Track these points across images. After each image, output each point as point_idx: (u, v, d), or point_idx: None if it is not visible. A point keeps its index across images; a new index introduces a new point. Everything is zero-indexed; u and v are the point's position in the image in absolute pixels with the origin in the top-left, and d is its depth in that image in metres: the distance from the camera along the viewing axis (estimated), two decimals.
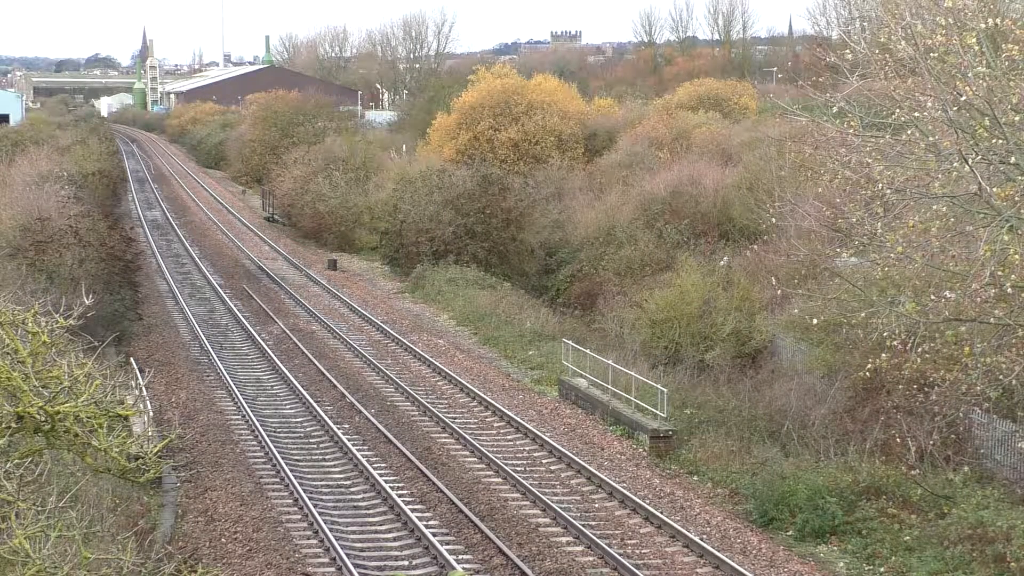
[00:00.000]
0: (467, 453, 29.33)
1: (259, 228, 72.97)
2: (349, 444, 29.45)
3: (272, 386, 36.14)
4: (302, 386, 35.35)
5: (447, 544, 23.12)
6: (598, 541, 22.97)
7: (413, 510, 24.84)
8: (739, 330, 34.53)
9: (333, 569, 22.28)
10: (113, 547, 16.12)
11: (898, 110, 20.57)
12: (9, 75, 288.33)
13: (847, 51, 22.00)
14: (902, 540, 22.63)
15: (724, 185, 48.56)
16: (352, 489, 26.79)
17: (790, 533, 23.97)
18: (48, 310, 16.52)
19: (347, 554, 22.43)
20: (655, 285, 38.83)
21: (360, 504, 25.82)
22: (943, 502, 23.42)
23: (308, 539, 23.75)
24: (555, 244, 51.93)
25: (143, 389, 30.26)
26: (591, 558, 22.67)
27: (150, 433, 21.40)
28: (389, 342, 42.16)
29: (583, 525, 23.86)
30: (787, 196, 34.34)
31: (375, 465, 28.07)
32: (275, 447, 29.17)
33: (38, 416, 14.75)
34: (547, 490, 26.29)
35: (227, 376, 36.45)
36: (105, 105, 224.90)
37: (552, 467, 28.22)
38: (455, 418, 32.20)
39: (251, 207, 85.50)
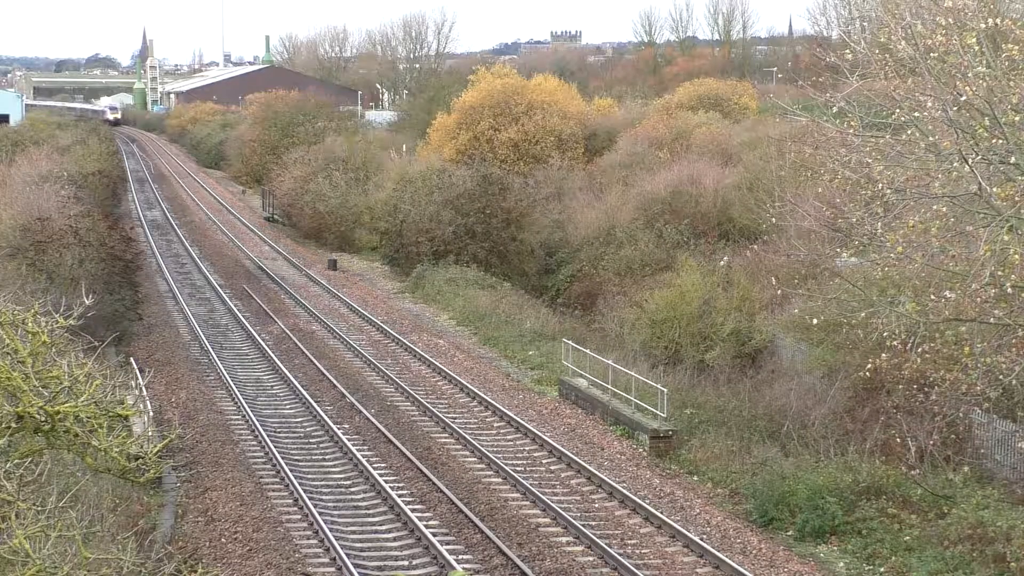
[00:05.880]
0: (467, 453, 29.33)
1: (259, 228, 72.97)
2: (349, 444, 29.45)
3: (272, 386, 36.14)
4: (302, 386, 35.35)
5: (447, 544, 23.12)
6: (598, 541, 22.97)
7: (413, 510, 24.84)
8: (739, 330, 34.51)
9: (333, 569, 22.28)
10: (113, 547, 16.12)
11: (898, 110, 20.55)
12: (9, 75, 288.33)
13: (847, 51, 21.97)
14: (902, 540, 22.63)
15: (724, 185, 48.52)
16: (352, 489, 26.79)
17: (790, 533, 23.98)
18: (48, 310, 16.54)
19: (347, 554, 22.44)
20: (655, 285, 38.81)
21: (360, 504, 25.82)
22: (943, 502, 23.42)
23: (308, 539, 23.75)
24: (555, 244, 51.88)
25: (143, 389, 30.25)
26: (591, 558, 22.67)
27: (150, 433, 21.39)
28: (389, 342, 42.15)
29: (583, 525, 23.87)
30: (787, 196, 34.26)
31: (375, 465, 28.07)
32: (275, 447, 29.17)
33: (38, 416, 14.76)
34: (547, 490, 26.29)
35: (227, 376, 36.44)
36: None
37: (552, 467, 28.22)
38: (455, 418, 32.20)
39: (251, 207, 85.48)
